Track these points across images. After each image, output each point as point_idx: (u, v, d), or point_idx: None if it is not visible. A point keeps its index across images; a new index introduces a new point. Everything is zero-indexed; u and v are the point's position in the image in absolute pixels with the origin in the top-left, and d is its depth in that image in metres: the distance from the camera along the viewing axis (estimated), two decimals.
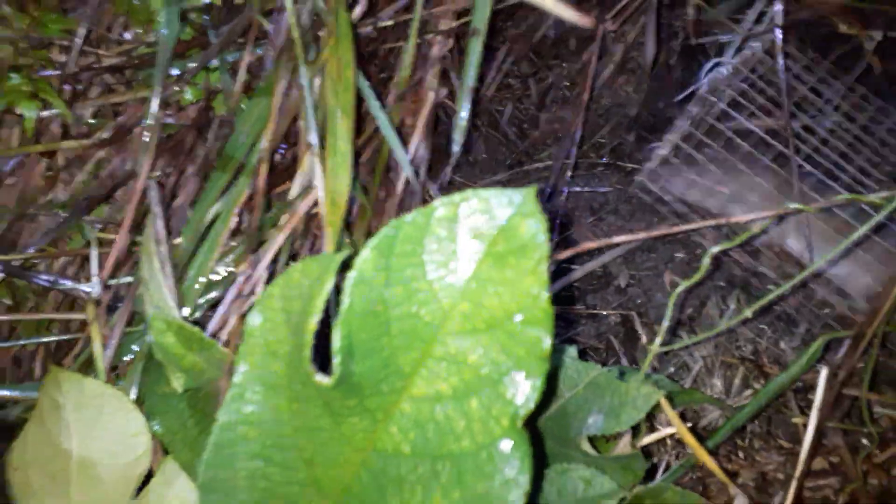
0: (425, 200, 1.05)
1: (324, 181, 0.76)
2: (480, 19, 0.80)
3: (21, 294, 0.82)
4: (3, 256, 0.78)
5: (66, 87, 0.85)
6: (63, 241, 0.84)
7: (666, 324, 0.61)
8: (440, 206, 0.43)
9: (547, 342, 0.42)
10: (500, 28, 1.21)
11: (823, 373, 0.60)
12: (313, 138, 0.76)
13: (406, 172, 0.88)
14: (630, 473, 0.56)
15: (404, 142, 0.90)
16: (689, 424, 0.73)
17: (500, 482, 0.43)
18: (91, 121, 0.86)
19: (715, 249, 0.60)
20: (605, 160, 1.18)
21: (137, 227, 0.78)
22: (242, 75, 0.87)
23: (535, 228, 0.41)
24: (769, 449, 0.74)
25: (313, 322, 0.42)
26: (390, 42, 0.98)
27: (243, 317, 0.75)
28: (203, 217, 0.76)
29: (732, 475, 0.74)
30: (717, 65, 1.01)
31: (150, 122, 0.80)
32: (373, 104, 0.82)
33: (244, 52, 0.86)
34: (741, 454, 0.75)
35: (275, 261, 0.78)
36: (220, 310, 0.75)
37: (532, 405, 0.42)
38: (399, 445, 0.45)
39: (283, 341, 0.45)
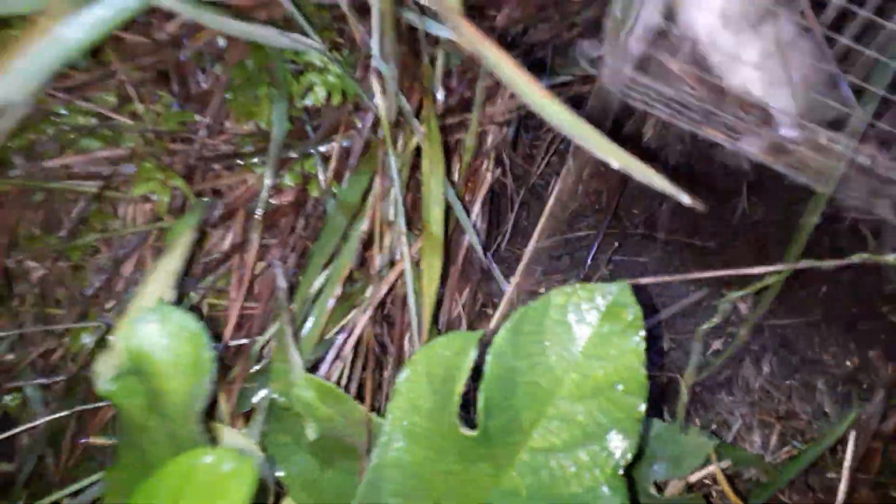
0: (481, 268, 1.17)
1: (409, 259, 0.88)
2: None
3: None
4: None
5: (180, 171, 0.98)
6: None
7: (693, 365, 0.71)
8: (556, 296, 0.55)
9: (642, 408, 0.53)
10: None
11: (852, 438, 0.71)
12: (402, 222, 0.89)
13: (475, 245, 1.00)
14: None
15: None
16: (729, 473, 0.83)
17: None
18: (205, 199, 0.99)
19: (734, 295, 0.72)
20: (640, 230, 1.30)
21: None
22: (333, 163, 1.00)
23: (633, 314, 0.53)
24: (807, 502, 0.84)
25: (460, 386, 0.54)
26: (455, 133, 1.12)
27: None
28: (310, 286, 0.89)
29: None
30: None
31: (261, 202, 0.93)
32: (450, 192, 0.95)
33: (335, 144, 1.00)
34: None
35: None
36: (323, 368, 0.87)
37: (629, 458, 0.54)
38: (518, 487, 0.56)
39: (426, 398, 0.57)
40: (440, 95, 1.02)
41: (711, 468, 0.72)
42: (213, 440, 0.56)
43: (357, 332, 0.90)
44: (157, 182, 0.92)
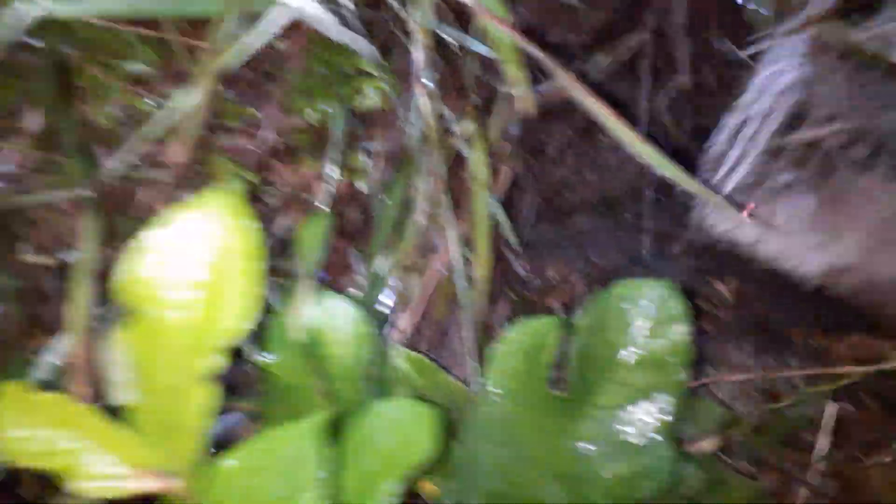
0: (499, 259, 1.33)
1: (456, 245, 1.03)
2: None
3: None
4: None
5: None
6: None
7: None
8: (618, 288, 0.72)
9: (683, 376, 0.71)
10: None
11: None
12: (449, 215, 1.04)
13: (509, 238, 1.16)
14: (705, 460, 0.86)
15: None
16: None
17: (656, 460, 0.71)
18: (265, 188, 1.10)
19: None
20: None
21: None
22: (379, 162, 1.14)
23: (680, 306, 0.71)
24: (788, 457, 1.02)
25: (548, 356, 0.70)
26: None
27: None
28: (373, 269, 1.03)
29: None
30: None
31: (325, 194, 1.05)
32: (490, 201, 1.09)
33: (381, 143, 1.13)
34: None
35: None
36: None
37: (673, 414, 0.71)
38: (590, 435, 0.73)
39: (519, 366, 0.73)
40: (476, 101, 1.16)
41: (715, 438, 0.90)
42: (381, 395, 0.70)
43: (410, 310, 1.04)
44: (233, 175, 1.04)
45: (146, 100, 1.06)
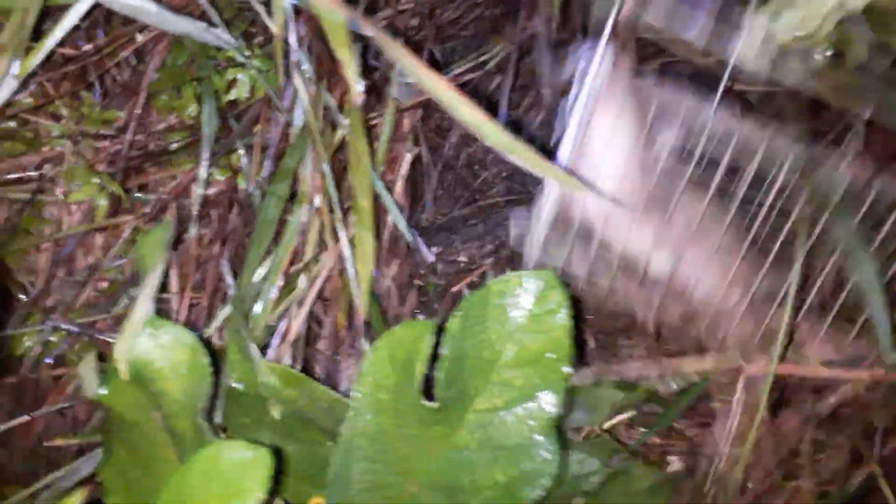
0: (407, 244, 1.26)
1: (346, 239, 0.97)
2: None
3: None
4: (80, 319, 0.95)
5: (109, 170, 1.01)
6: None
7: None
8: (494, 284, 0.66)
9: (567, 370, 0.66)
10: None
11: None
12: (335, 207, 0.97)
13: (399, 222, 1.09)
14: (606, 451, 0.82)
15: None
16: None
17: (539, 462, 0.66)
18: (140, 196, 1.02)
19: None
20: None
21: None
22: (259, 155, 1.06)
23: (559, 298, 0.65)
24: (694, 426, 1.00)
25: (421, 366, 0.64)
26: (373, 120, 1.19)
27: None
28: (251, 276, 0.95)
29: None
30: None
31: (197, 197, 0.98)
32: (372, 174, 1.03)
33: (259, 137, 1.05)
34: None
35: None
36: (270, 353, 0.95)
37: (559, 411, 0.66)
38: (468, 442, 0.68)
39: (389, 377, 0.67)
40: (360, 87, 1.09)
41: (622, 416, 0.87)
42: (216, 432, 0.64)
43: (301, 316, 0.97)
44: (94, 185, 0.95)
45: None
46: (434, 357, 0.66)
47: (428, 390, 0.67)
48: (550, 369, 0.66)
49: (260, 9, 0.92)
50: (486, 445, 0.67)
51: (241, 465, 0.49)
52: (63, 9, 0.77)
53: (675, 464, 0.96)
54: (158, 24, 0.88)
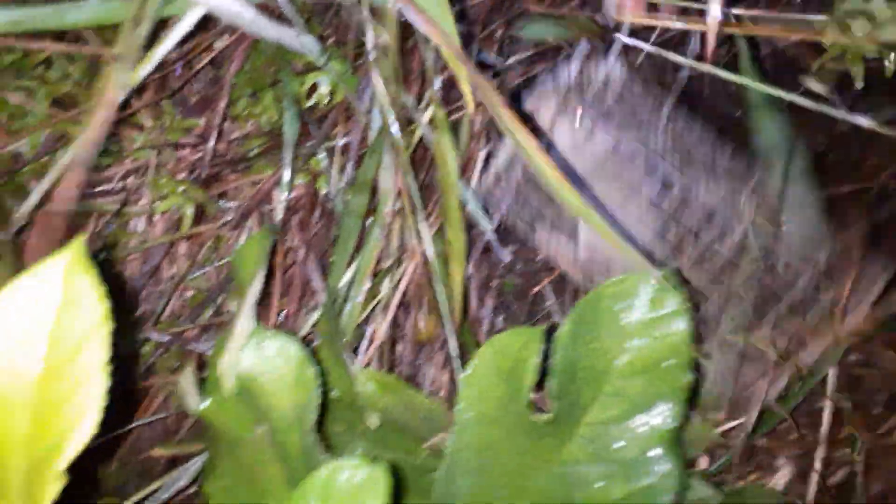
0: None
1: (430, 242, 0.94)
2: None
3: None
4: (169, 329, 0.95)
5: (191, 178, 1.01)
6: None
7: None
8: (606, 287, 0.62)
9: (688, 379, 0.61)
10: None
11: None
12: (417, 209, 0.95)
13: (482, 224, 1.06)
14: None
15: None
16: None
17: (658, 478, 0.62)
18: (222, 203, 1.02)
19: None
20: None
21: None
22: (339, 159, 1.04)
23: (676, 301, 0.61)
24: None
25: (529, 378, 0.61)
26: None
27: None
28: (339, 282, 0.94)
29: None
30: None
31: (281, 202, 0.96)
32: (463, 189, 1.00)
33: (339, 141, 1.04)
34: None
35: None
36: (359, 358, 0.93)
37: (678, 423, 0.62)
38: (579, 456, 0.64)
39: (494, 388, 0.64)
40: (437, 85, 1.06)
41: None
42: (328, 447, 0.62)
43: (386, 320, 0.95)
44: (178, 195, 0.95)
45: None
46: (543, 366, 0.63)
47: (536, 401, 0.64)
48: (669, 378, 0.62)
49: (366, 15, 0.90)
50: (599, 460, 0.63)
51: (358, 485, 0.46)
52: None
53: (784, 468, 0.91)
54: (250, 29, 0.86)
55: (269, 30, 0.86)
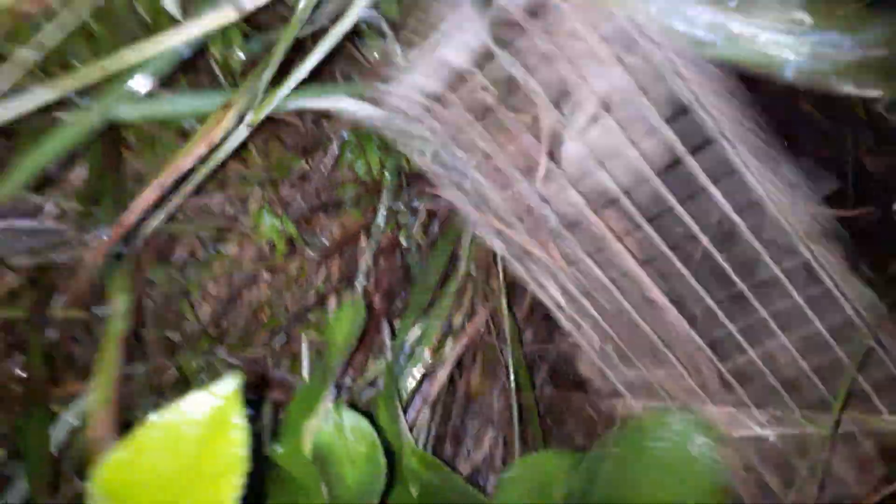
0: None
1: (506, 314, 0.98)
2: None
3: None
4: (240, 352, 1.02)
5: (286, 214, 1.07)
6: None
7: None
8: (640, 421, 0.64)
9: None
10: None
11: None
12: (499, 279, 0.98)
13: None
14: None
15: None
16: None
17: None
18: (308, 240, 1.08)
19: None
20: None
21: None
22: (422, 216, 1.10)
23: (706, 438, 0.62)
24: None
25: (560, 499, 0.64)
26: None
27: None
28: (404, 338, 0.99)
29: None
30: None
31: (371, 244, 1.02)
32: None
33: (426, 201, 1.09)
34: None
35: None
36: (410, 414, 0.98)
37: None
38: None
39: (525, 497, 0.67)
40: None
41: None
42: None
43: (442, 378, 1.00)
44: (273, 227, 1.02)
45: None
46: (571, 493, 0.66)
47: None
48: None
49: None
50: None
51: None
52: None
53: None
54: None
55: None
